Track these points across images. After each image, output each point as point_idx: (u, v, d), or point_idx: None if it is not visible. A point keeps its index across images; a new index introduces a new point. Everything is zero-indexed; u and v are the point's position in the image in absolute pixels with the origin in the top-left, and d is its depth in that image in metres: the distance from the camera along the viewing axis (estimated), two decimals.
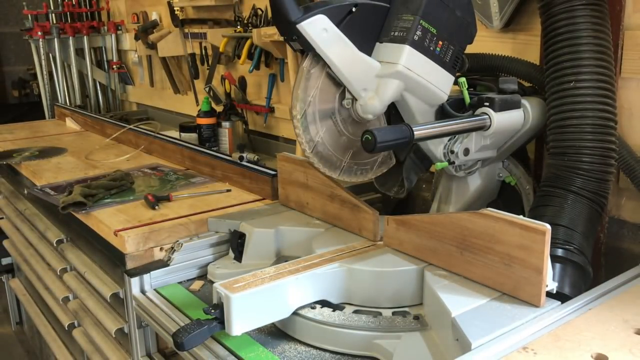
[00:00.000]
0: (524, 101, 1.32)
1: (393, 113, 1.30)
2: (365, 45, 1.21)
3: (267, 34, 2.18)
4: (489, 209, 1.13)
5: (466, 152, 1.29)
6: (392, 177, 1.40)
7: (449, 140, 1.30)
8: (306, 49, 1.19)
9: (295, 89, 1.24)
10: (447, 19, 1.19)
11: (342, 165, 1.29)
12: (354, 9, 1.17)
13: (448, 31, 1.20)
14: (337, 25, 1.16)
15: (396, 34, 1.18)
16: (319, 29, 1.15)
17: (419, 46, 1.18)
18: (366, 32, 1.21)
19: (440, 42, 1.19)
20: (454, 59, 1.22)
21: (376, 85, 1.21)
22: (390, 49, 1.19)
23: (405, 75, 1.18)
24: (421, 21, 1.16)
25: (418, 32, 1.16)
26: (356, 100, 1.24)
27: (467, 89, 1.30)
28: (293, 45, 1.19)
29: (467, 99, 1.30)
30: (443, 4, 1.19)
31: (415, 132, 1.12)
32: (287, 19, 1.14)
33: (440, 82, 1.23)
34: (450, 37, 1.21)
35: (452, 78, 1.24)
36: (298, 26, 1.14)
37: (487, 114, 1.25)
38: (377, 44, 1.22)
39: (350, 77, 1.21)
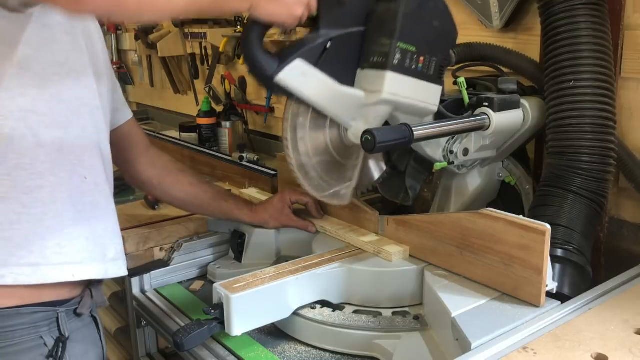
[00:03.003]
0: (524, 101, 1.32)
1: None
2: (347, 75, 1.17)
3: (267, 34, 2.17)
4: (489, 209, 1.13)
5: (465, 152, 1.29)
6: (396, 185, 1.41)
7: (447, 142, 1.29)
8: (289, 96, 1.16)
9: (285, 122, 1.22)
10: (425, 33, 1.15)
11: (329, 188, 1.26)
12: (328, 45, 1.13)
13: (428, 45, 1.16)
14: (315, 65, 1.13)
15: (375, 59, 1.14)
16: (297, 75, 1.12)
17: (400, 69, 1.13)
18: (345, 63, 1.17)
19: (422, 58, 1.15)
20: (438, 69, 1.19)
21: (364, 114, 1.18)
22: (372, 76, 1.15)
23: (390, 101, 1.15)
24: (399, 44, 1.11)
25: (397, 55, 1.12)
26: (347, 129, 1.23)
27: (467, 88, 1.30)
28: (275, 93, 1.17)
29: (467, 99, 1.30)
30: (418, 20, 1.13)
31: (415, 132, 1.12)
32: (264, 74, 1.11)
33: (427, 97, 1.20)
34: (431, 49, 1.17)
35: (440, 87, 1.21)
36: (276, 80, 1.10)
37: (486, 114, 1.25)
38: (359, 70, 1.18)
39: (337, 112, 1.19)
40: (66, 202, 1.11)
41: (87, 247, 1.14)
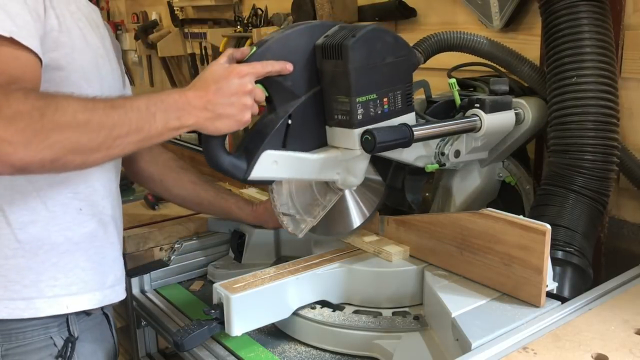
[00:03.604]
0: (523, 101, 1.32)
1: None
2: (317, 137, 1.15)
3: (267, 34, 2.17)
4: (489, 209, 1.13)
5: (457, 154, 1.28)
6: (399, 199, 1.41)
7: (437, 144, 1.28)
8: (268, 183, 1.15)
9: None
10: (381, 74, 1.10)
11: (293, 212, 1.22)
12: (289, 122, 1.09)
13: (387, 84, 1.11)
14: (283, 147, 1.10)
15: (339, 117, 1.11)
16: (269, 166, 1.09)
17: (367, 121, 1.10)
18: (312, 128, 1.14)
19: (385, 99, 1.11)
20: (405, 99, 1.15)
21: (346, 166, 1.17)
22: (341, 134, 1.12)
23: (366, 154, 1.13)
24: (357, 99, 1.07)
25: (359, 111, 1.08)
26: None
27: (466, 89, 1.30)
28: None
29: (458, 101, 1.29)
30: (371, 66, 1.08)
31: (415, 133, 1.12)
32: (236, 178, 1.09)
33: None
34: (392, 85, 1.12)
35: (412, 114, 1.18)
36: (249, 179, 1.09)
37: (477, 116, 1.24)
38: (327, 127, 1.15)
39: (318, 176, 1.17)
40: (60, 235, 1.11)
41: (83, 277, 1.14)
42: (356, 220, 1.34)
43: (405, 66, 1.14)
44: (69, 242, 1.12)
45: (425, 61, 1.33)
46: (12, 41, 0.92)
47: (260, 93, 1.06)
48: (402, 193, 1.35)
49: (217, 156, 1.07)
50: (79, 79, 1.06)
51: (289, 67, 1.06)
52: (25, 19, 0.95)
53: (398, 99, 1.14)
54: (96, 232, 1.17)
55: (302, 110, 1.11)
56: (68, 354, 1.14)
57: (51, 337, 1.12)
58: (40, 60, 0.98)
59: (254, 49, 1.06)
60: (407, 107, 1.15)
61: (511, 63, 1.38)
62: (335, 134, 1.14)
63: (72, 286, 1.13)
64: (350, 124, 1.09)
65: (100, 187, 1.17)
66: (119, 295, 1.23)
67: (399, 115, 1.15)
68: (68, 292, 1.12)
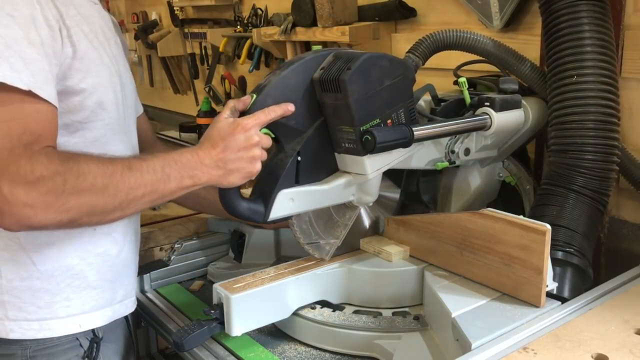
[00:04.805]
0: (523, 101, 1.32)
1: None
2: (328, 167, 1.17)
3: (267, 34, 2.18)
4: (489, 209, 1.13)
5: (467, 152, 1.29)
6: (415, 203, 1.43)
7: (448, 142, 1.29)
8: (287, 220, 1.17)
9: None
10: (382, 99, 1.11)
11: (316, 238, 1.24)
12: (299, 159, 1.12)
13: (389, 107, 1.13)
14: (297, 184, 1.12)
15: (347, 145, 1.13)
16: (285, 204, 1.12)
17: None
18: (322, 159, 1.16)
19: (389, 120, 1.13)
20: (408, 115, 1.16)
21: (360, 188, 1.19)
22: (351, 161, 1.15)
23: (378, 174, 1.16)
24: (361, 128, 1.09)
25: (365, 137, 1.09)
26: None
27: (467, 88, 1.30)
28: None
29: (468, 99, 1.30)
30: (370, 95, 1.09)
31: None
32: (257, 222, 1.12)
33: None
34: (394, 106, 1.14)
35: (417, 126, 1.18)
36: (270, 220, 1.11)
37: (487, 114, 1.25)
38: (336, 154, 1.17)
39: (335, 202, 1.19)
40: (75, 257, 1.13)
41: (94, 296, 1.16)
42: (366, 225, 1.37)
43: (403, 84, 1.15)
44: (83, 262, 1.14)
45: (423, 63, 1.34)
46: (30, 94, 0.93)
47: (267, 140, 1.08)
48: (418, 196, 1.37)
49: (235, 204, 1.10)
50: (94, 104, 1.08)
51: (290, 108, 1.08)
52: (41, 66, 0.96)
53: (401, 116, 1.15)
54: (109, 251, 1.18)
55: (309, 144, 1.13)
56: (94, 354, 1.17)
57: (77, 338, 1.15)
58: (56, 107, 0.99)
59: (254, 96, 1.08)
60: (412, 122, 1.16)
61: (510, 62, 1.38)
62: (345, 160, 1.16)
63: (84, 305, 1.15)
64: (358, 152, 1.12)
65: None
66: (129, 308, 1.25)
67: (405, 133, 1.15)
68: (81, 311, 1.14)
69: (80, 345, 1.15)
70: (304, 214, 1.20)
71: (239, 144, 1.03)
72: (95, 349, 1.17)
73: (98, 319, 1.17)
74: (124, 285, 1.23)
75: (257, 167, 1.07)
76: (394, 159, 1.17)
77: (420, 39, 1.35)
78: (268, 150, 1.09)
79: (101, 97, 1.09)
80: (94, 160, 0.95)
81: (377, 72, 1.10)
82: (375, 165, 1.14)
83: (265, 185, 1.12)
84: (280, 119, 1.08)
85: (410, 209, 1.45)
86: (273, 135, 1.11)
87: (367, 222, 1.37)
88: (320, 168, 1.17)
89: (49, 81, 0.97)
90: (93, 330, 1.17)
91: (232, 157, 1.03)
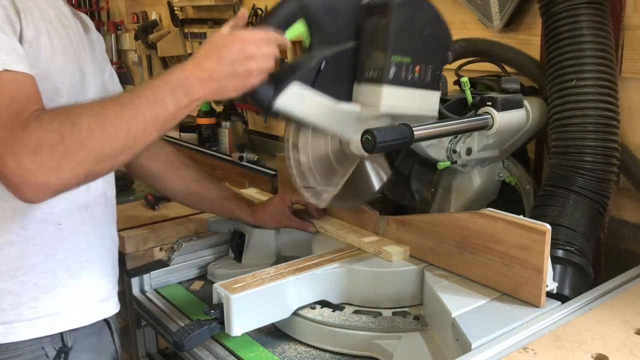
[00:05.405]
0: (524, 101, 1.32)
1: None
2: (343, 91, 1.17)
3: None
4: (489, 209, 1.13)
5: (469, 151, 1.29)
6: (401, 188, 1.41)
7: (450, 141, 1.29)
8: (288, 120, 1.16)
9: (285, 140, 1.22)
10: (419, 42, 1.14)
11: (313, 184, 1.24)
12: (322, 65, 1.11)
13: (422, 53, 1.15)
14: (311, 86, 1.11)
15: (371, 74, 1.12)
16: (294, 99, 1.10)
17: (396, 81, 1.13)
18: (341, 80, 1.16)
19: (418, 67, 1.14)
20: (434, 75, 1.18)
21: (364, 127, 1.15)
22: (368, 91, 1.15)
23: (389, 114, 1.15)
24: (393, 57, 1.10)
25: (392, 69, 1.11)
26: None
27: (469, 88, 1.30)
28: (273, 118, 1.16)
29: (470, 99, 1.30)
30: (411, 30, 1.12)
31: (415, 132, 1.12)
32: (261, 103, 1.09)
33: (425, 105, 1.19)
34: (426, 57, 1.16)
35: (438, 93, 1.20)
36: (274, 107, 1.09)
37: (489, 114, 1.25)
38: (355, 84, 1.17)
39: (337, 129, 1.18)
40: (40, 255, 1.07)
41: (66, 296, 1.10)
42: (375, 185, 1.34)
43: (440, 45, 1.18)
44: (50, 260, 1.08)
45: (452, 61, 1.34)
46: (6, 72, 0.92)
47: (283, 40, 1.07)
48: (407, 181, 1.35)
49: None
50: (48, 89, 1.03)
51: (288, 44, 1.08)
52: (10, 43, 0.95)
53: (429, 72, 1.16)
54: (80, 247, 1.12)
55: (335, 59, 1.13)
56: None
57: (43, 348, 1.08)
58: (33, 76, 0.97)
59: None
60: (435, 85, 1.18)
61: (538, 75, 1.38)
62: (362, 90, 1.16)
63: (56, 306, 1.09)
64: (379, 80, 1.12)
65: (78, 199, 1.13)
66: (109, 310, 1.19)
67: (425, 89, 1.17)
68: (51, 312, 1.08)
69: (46, 355, 1.08)
70: (304, 156, 1.20)
71: (233, 56, 0.99)
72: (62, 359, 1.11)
73: (72, 321, 1.11)
74: (104, 284, 1.18)
75: (267, 64, 1.03)
76: (408, 105, 1.17)
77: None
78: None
79: (56, 83, 1.05)
80: (84, 108, 0.93)
81: (424, 16, 1.13)
82: (390, 100, 1.13)
83: (282, 75, 1.10)
84: (321, 17, 1.10)
85: (395, 194, 1.44)
86: (308, 40, 1.11)
87: (375, 181, 1.34)
88: (336, 89, 1.16)
89: (21, 57, 0.95)
90: (62, 338, 1.10)
91: (226, 70, 0.99)
